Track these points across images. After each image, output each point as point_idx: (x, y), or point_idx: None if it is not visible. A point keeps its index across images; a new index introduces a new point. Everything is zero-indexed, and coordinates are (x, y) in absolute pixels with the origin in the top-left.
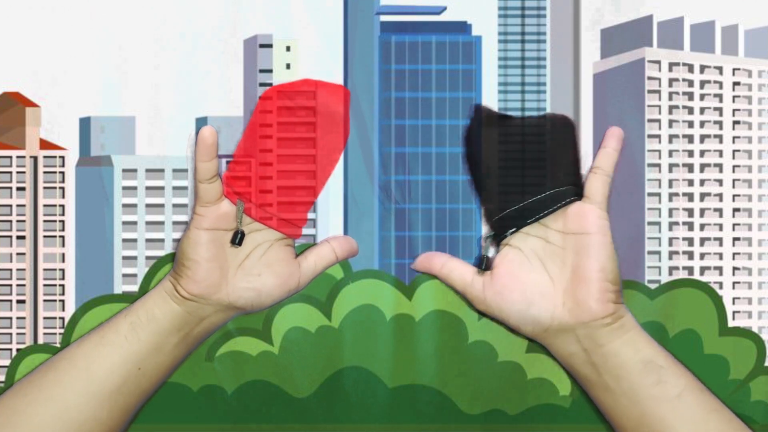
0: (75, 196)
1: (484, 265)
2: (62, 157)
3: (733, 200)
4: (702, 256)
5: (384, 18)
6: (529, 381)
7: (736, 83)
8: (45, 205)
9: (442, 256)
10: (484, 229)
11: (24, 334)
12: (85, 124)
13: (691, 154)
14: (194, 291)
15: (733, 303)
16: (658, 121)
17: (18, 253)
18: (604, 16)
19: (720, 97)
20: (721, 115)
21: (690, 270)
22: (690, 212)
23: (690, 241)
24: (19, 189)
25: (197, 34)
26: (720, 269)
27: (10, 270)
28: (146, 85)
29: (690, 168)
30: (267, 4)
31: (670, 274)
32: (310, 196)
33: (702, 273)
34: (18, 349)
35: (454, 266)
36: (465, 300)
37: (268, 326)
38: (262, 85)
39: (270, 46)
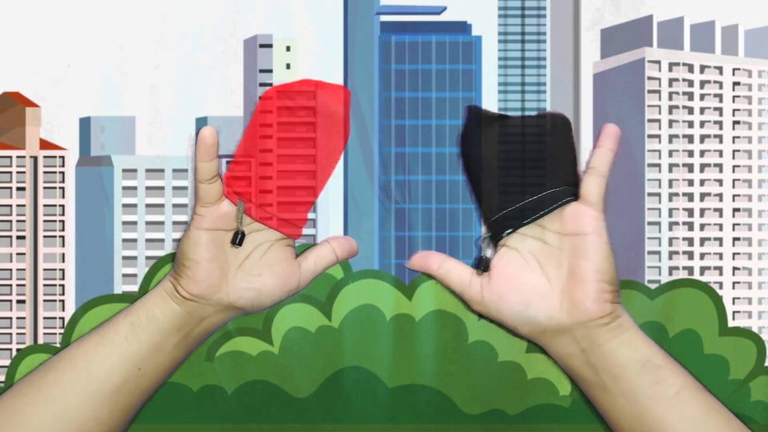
0: (75, 196)
1: (482, 266)
2: (62, 157)
3: (733, 200)
4: (702, 256)
5: (384, 18)
6: (529, 381)
7: (736, 83)
8: (45, 205)
9: (439, 255)
10: (483, 230)
11: (24, 334)
12: (85, 124)
13: (691, 154)
14: (194, 291)
15: (733, 303)
16: (658, 121)
17: (18, 253)
18: (604, 16)
19: (720, 97)
20: (721, 115)
21: (690, 270)
22: (690, 212)
23: (690, 241)
24: (19, 189)
25: (197, 34)
26: (720, 269)
27: (10, 270)
28: (146, 85)
29: (690, 168)
30: (267, 4)
31: (670, 274)
32: (310, 196)
33: (702, 273)
34: (18, 349)
35: (452, 267)
36: (461, 301)
37: (268, 326)
38: (262, 85)
39: (270, 46)
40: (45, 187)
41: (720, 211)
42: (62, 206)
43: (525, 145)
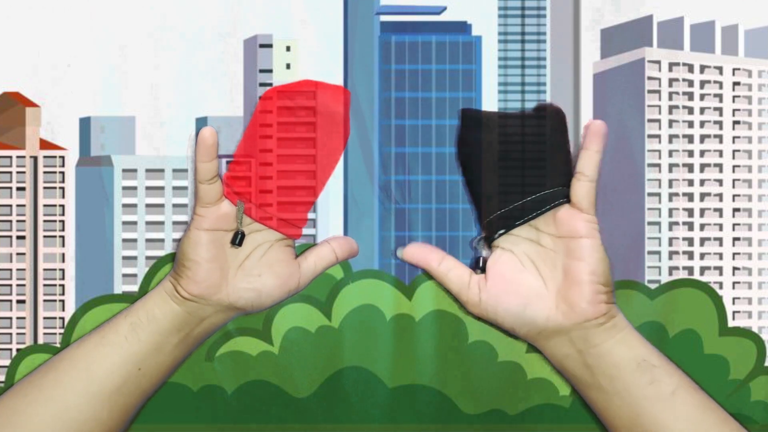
0: (75, 196)
1: (480, 266)
2: (62, 157)
3: (733, 200)
4: (702, 256)
5: (384, 18)
6: (529, 381)
7: (736, 83)
8: (45, 205)
9: (439, 252)
10: (479, 231)
11: (24, 334)
12: (85, 124)
13: (691, 154)
14: (194, 291)
15: (733, 303)
16: (658, 121)
17: (18, 253)
18: (604, 16)
19: (720, 97)
20: (721, 115)
21: (690, 270)
22: (690, 212)
23: (690, 241)
24: (19, 189)
25: (197, 34)
26: (720, 269)
27: (10, 270)
28: (146, 85)
29: (690, 168)
30: (267, 4)
31: (670, 274)
32: (310, 197)
33: (702, 273)
34: (18, 349)
35: (452, 266)
36: (457, 302)
37: (268, 326)
38: (262, 85)
39: (270, 46)
40: (45, 187)
41: (720, 211)
42: (62, 206)
43: (522, 145)
